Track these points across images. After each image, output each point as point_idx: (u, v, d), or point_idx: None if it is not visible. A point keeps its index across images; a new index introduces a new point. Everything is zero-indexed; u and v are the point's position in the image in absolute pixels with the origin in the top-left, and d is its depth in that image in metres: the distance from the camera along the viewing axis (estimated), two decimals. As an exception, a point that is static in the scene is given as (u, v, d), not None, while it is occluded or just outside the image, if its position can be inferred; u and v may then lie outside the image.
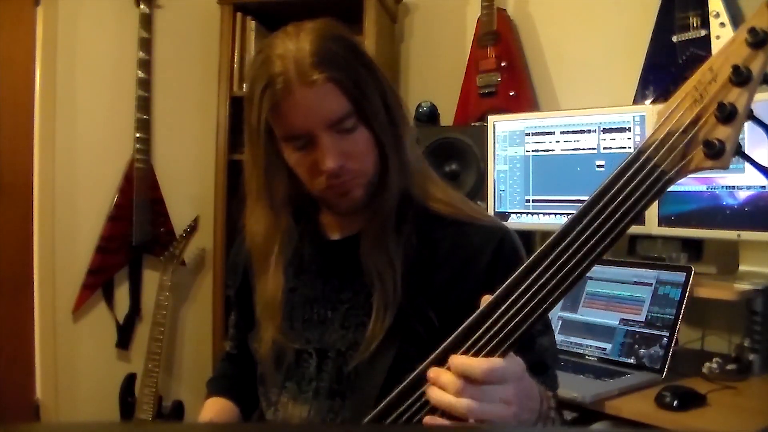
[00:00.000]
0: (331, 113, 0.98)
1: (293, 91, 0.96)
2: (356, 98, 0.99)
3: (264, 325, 1.12)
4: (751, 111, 0.63)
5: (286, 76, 0.96)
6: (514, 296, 0.74)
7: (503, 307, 0.75)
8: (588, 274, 1.97)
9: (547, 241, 0.73)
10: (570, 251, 0.72)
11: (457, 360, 0.77)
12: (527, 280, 0.74)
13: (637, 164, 0.69)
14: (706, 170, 0.65)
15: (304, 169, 1.03)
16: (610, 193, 0.70)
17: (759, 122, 0.63)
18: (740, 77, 0.62)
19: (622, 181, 0.69)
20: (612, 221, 0.70)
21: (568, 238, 0.71)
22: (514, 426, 0.77)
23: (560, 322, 2.01)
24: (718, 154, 0.64)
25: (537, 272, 0.73)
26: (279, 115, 0.98)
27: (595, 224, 0.71)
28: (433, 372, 0.79)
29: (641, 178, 0.68)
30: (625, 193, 0.69)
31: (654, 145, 0.67)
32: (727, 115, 0.62)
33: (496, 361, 0.76)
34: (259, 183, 1.08)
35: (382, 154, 1.04)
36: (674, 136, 0.66)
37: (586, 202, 0.71)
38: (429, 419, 0.79)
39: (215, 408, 1.26)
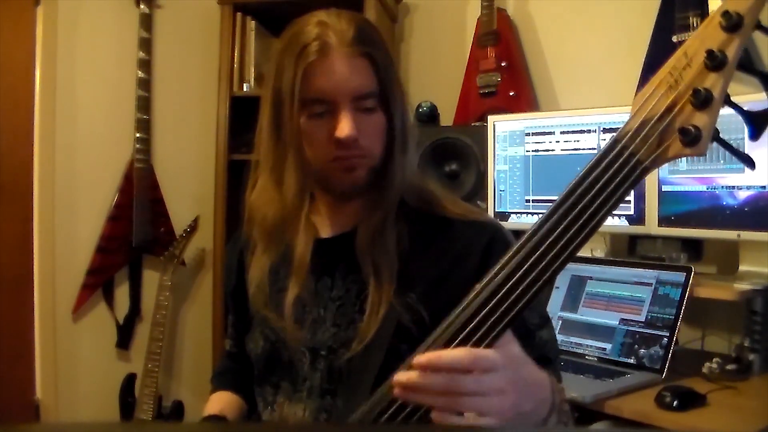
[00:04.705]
0: (360, 87, 1.00)
1: (330, 55, 0.98)
2: (384, 81, 1.02)
3: (288, 284, 1.09)
4: (728, 96, 0.61)
5: (324, 40, 0.99)
6: (492, 288, 0.73)
7: (482, 299, 0.74)
8: (588, 274, 2.00)
9: (525, 234, 0.72)
10: (547, 242, 0.71)
11: (422, 357, 0.74)
12: (503, 271, 0.72)
13: (613, 153, 0.68)
14: (684, 157, 0.64)
15: (315, 137, 1.02)
16: (587, 182, 0.69)
17: (735, 107, 0.61)
18: (715, 62, 0.60)
19: (598, 170, 0.68)
20: (589, 211, 0.69)
21: (543, 230, 0.70)
22: (516, 426, 0.76)
23: (560, 322, 2.00)
24: (695, 140, 0.62)
25: (514, 264, 0.72)
26: (308, 77, 0.99)
27: (572, 214, 0.70)
28: (403, 376, 0.75)
29: (617, 168, 0.67)
30: (601, 182, 0.68)
31: (630, 134, 0.66)
32: (703, 100, 0.61)
33: (476, 351, 0.73)
34: (293, 143, 1.03)
35: (389, 145, 1.05)
36: (650, 124, 0.65)
37: (563, 193, 0.70)
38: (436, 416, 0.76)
39: (223, 400, 1.25)
